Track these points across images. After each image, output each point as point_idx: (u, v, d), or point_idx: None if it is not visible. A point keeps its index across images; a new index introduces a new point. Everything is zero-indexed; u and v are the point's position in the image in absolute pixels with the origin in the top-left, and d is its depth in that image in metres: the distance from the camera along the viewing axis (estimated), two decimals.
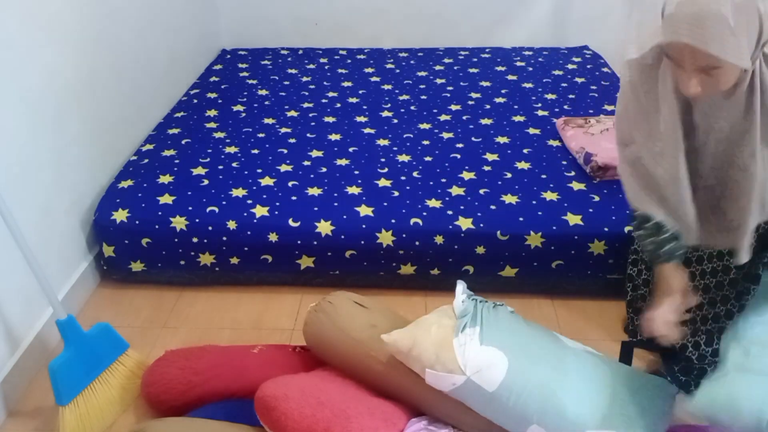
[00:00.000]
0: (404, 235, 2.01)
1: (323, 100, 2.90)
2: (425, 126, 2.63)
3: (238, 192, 2.15)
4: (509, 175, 2.25)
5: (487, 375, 1.37)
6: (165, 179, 2.22)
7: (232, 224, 2.04)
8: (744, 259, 1.35)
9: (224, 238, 2.05)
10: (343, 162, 2.35)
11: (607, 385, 1.43)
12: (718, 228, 1.37)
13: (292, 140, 2.51)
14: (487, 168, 2.30)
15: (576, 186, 2.18)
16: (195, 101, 2.88)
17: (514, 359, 1.40)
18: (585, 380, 1.42)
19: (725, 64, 1.09)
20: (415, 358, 1.43)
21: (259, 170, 2.28)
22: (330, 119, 2.70)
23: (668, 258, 1.37)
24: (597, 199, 2.10)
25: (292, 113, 2.76)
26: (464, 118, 2.71)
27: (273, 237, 2.03)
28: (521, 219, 2.02)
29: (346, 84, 3.09)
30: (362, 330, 1.56)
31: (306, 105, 2.85)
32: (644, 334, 1.39)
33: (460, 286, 1.59)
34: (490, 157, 2.38)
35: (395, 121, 2.69)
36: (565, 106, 2.80)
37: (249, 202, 2.10)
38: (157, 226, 2.05)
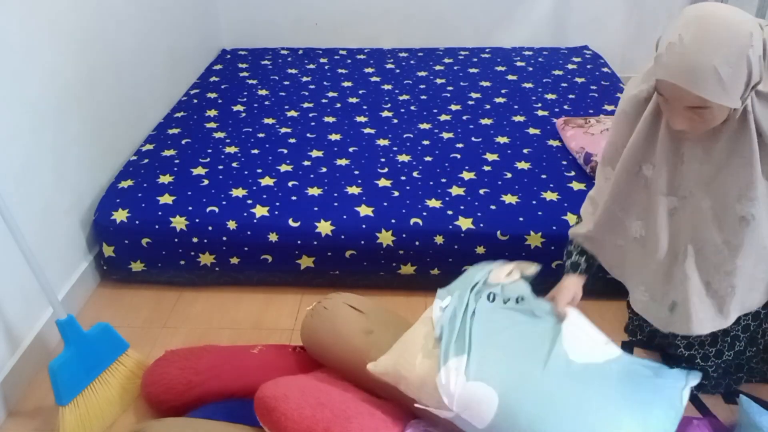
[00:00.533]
0: (404, 235, 2.01)
1: (323, 100, 2.90)
2: (425, 126, 2.63)
3: (238, 192, 2.15)
4: (509, 175, 2.25)
5: (477, 412, 1.28)
6: (165, 179, 2.22)
7: (232, 224, 2.04)
8: (728, 323, 1.35)
9: (224, 238, 2.05)
10: (343, 162, 2.35)
11: (608, 412, 1.28)
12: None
13: (292, 140, 2.51)
14: (487, 168, 2.30)
15: (576, 186, 2.18)
16: (195, 101, 2.88)
17: (504, 395, 1.28)
18: (582, 412, 1.27)
19: (713, 104, 1.10)
20: (402, 391, 1.39)
21: (259, 170, 2.28)
22: (330, 119, 2.70)
23: (573, 269, 1.52)
24: None
25: (292, 113, 2.76)
26: (464, 118, 2.71)
27: (273, 237, 2.03)
28: (521, 219, 2.02)
29: (346, 84, 3.09)
30: (358, 335, 1.55)
31: (306, 105, 2.85)
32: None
33: (437, 300, 1.49)
34: (490, 157, 2.38)
35: (395, 121, 2.69)
36: (565, 106, 2.80)
37: (249, 202, 2.10)
38: (157, 226, 2.05)
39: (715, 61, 1.06)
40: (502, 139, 2.50)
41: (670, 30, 1.11)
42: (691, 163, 1.27)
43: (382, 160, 2.36)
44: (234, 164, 2.32)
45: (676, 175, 1.29)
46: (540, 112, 2.74)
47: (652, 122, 1.28)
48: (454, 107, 2.81)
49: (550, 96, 2.91)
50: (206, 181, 2.21)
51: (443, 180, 2.22)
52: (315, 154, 2.41)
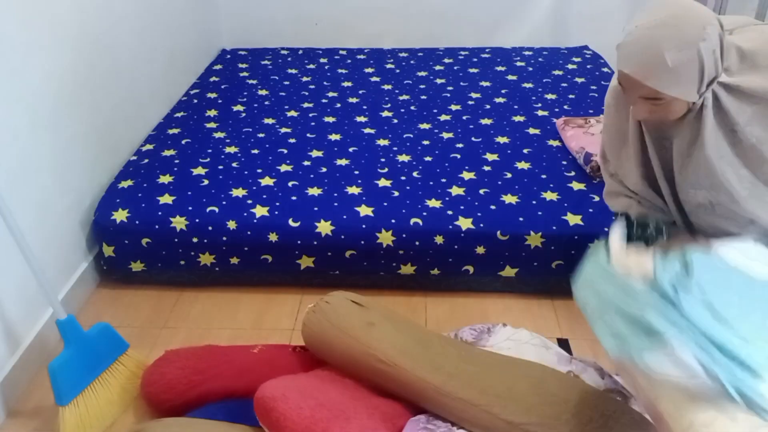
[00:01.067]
0: (404, 235, 2.01)
1: (323, 100, 2.90)
2: (425, 126, 2.63)
3: (238, 192, 2.15)
4: (509, 175, 2.25)
5: None
6: (165, 179, 2.22)
7: (232, 224, 2.04)
8: None
9: (224, 238, 2.05)
10: (343, 162, 2.35)
11: None
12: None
13: (292, 140, 2.51)
14: (487, 168, 2.30)
15: (576, 186, 2.18)
16: (195, 101, 2.88)
17: None
18: None
19: (666, 96, 1.12)
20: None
21: (259, 170, 2.28)
22: (330, 119, 2.70)
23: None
24: (597, 199, 2.10)
25: (292, 113, 2.76)
26: (464, 118, 2.71)
27: (273, 237, 2.03)
28: (521, 219, 2.02)
29: (346, 84, 3.09)
30: (360, 328, 1.56)
31: (306, 105, 2.85)
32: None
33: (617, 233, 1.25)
34: (490, 157, 2.37)
35: (395, 121, 2.69)
36: (565, 106, 2.80)
37: (249, 202, 2.10)
38: (157, 226, 2.05)
39: (665, 51, 1.07)
40: (502, 139, 2.50)
41: (632, 20, 1.14)
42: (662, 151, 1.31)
43: (382, 160, 2.36)
44: (234, 164, 2.32)
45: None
46: (540, 112, 2.74)
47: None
48: (454, 107, 2.81)
49: (550, 96, 2.91)
50: (206, 181, 2.21)
51: (443, 180, 2.22)
52: (315, 154, 2.41)
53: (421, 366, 1.47)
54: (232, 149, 2.43)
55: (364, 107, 2.82)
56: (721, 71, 1.15)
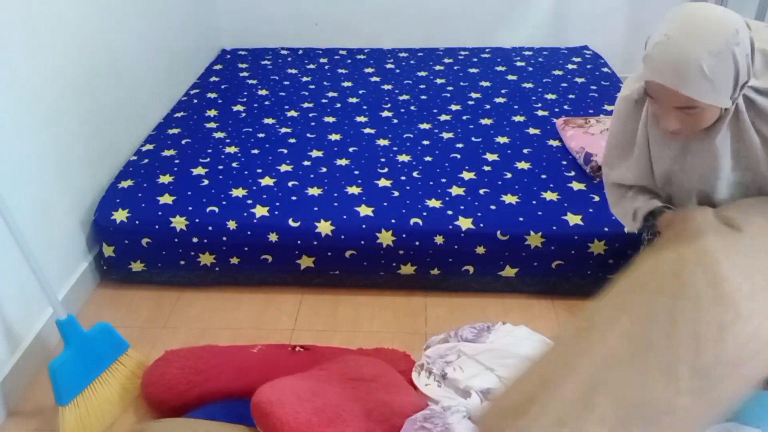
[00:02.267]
0: (404, 235, 2.01)
1: (323, 100, 2.90)
2: (425, 126, 2.63)
3: (238, 192, 2.15)
4: (509, 175, 2.25)
5: None
6: (165, 179, 2.22)
7: (232, 224, 2.04)
8: None
9: (224, 238, 2.05)
10: (343, 162, 2.35)
11: None
12: None
13: (292, 140, 2.51)
14: (487, 168, 2.30)
15: (576, 186, 2.18)
16: (195, 101, 2.87)
17: None
18: None
19: (701, 104, 1.10)
20: None
21: (259, 170, 2.28)
22: (330, 119, 2.70)
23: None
24: (597, 199, 2.10)
25: (292, 113, 2.76)
26: (464, 118, 2.70)
27: (273, 237, 2.03)
28: (521, 219, 2.02)
29: (346, 84, 3.09)
30: None
31: (306, 105, 2.85)
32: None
33: None
34: (490, 157, 2.37)
35: (395, 121, 2.69)
36: (565, 106, 2.80)
37: (249, 202, 2.10)
38: (157, 226, 2.05)
39: (701, 58, 1.06)
40: (502, 139, 2.50)
41: (658, 30, 1.12)
42: (684, 159, 1.28)
43: (382, 160, 2.36)
44: (234, 164, 2.32)
45: (667, 171, 1.32)
46: (540, 112, 2.74)
47: (644, 125, 1.31)
48: (454, 107, 2.81)
49: (550, 96, 2.91)
50: (206, 181, 2.21)
51: (443, 180, 2.22)
52: (315, 154, 2.41)
53: None
54: (232, 149, 2.43)
55: (364, 107, 2.82)
56: (752, 75, 1.13)
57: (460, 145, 2.47)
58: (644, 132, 1.31)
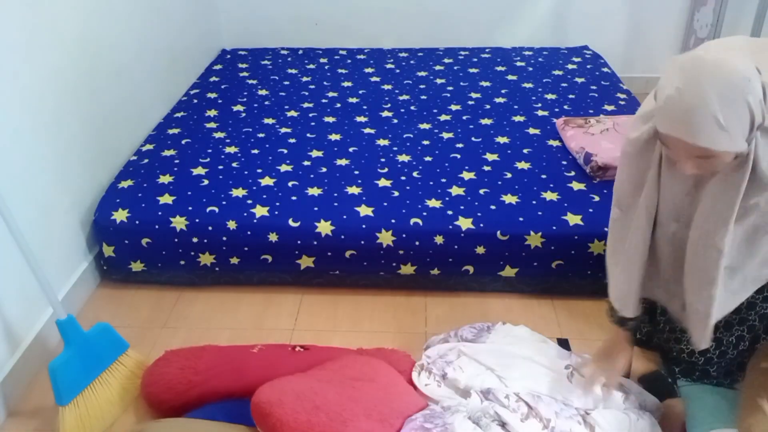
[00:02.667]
0: (404, 235, 2.01)
1: (323, 100, 2.90)
2: (425, 126, 2.63)
3: (238, 192, 2.15)
4: (509, 175, 2.25)
5: None
6: (165, 179, 2.22)
7: (232, 224, 2.04)
8: (703, 346, 1.38)
9: (224, 238, 2.05)
10: (343, 162, 2.35)
11: None
12: (688, 315, 1.39)
13: (292, 140, 2.51)
14: (487, 168, 2.30)
15: (576, 186, 2.18)
16: (195, 101, 2.88)
17: None
18: None
19: (717, 152, 1.10)
20: None
21: (259, 170, 2.28)
22: (330, 119, 2.70)
23: (619, 323, 1.53)
24: (597, 199, 2.10)
25: (292, 113, 2.76)
26: (464, 118, 2.71)
27: (273, 237, 2.03)
28: (521, 219, 2.02)
29: (346, 84, 3.09)
30: None
31: (306, 105, 2.85)
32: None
33: None
34: (490, 157, 2.37)
35: (395, 121, 2.69)
36: (565, 106, 2.80)
37: (249, 202, 2.10)
38: (157, 226, 2.05)
39: (715, 111, 1.05)
40: (502, 139, 2.50)
41: (668, 81, 1.11)
42: (689, 195, 1.29)
43: (382, 160, 2.36)
44: (234, 164, 2.32)
45: (678, 205, 1.32)
46: (540, 112, 2.74)
47: (657, 166, 1.31)
48: (454, 107, 2.81)
49: (550, 96, 2.91)
50: (206, 181, 2.21)
51: (443, 180, 2.22)
52: (315, 154, 2.41)
53: None
54: (232, 149, 2.43)
55: (364, 107, 2.82)
56: (766, 116, 1.12)
57: (460, 145, 2.47)
58: (655, 171, 1.31)
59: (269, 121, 2.68)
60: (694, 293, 1.34)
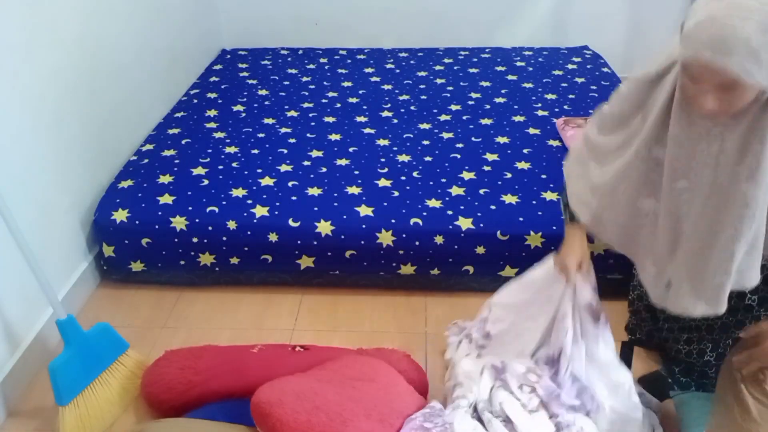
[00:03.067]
0: (404, 235, 2.01)
1: (323, 100, 2.90)
2: (425, 126, 2.63)
3: (238, 192, 2.15)
4: (509, 175, 2.25)
5: None
6: (165, 179, 2.22)
7: (232, 224, 2.04)
8: (722, 310, 1.29)
9: (224, 238, 2.05)
10: (343, 162, 2.35)
11: None
12: (693, 290, 1.31)
13: (292, 140, 2.51)
14: (487, 168, 2.30)
15: None
16: (195, 101, 2.88)
17: None
18: None
19: (744, 83, 1.05)
20: None
21: (259, 170, 2.28)
22: (330, 119, 2.70)
23: (572, 217, 1.49)
24: None
25: (292, 113, 2.76)
26: (464, 118, 2.71)
27: (273, 237, 2.03)
28: (521, 219, 2.02)
29: (346, 84, 3.09)
30: None
31: (306, 105, 2.85)
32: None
33: None
34: (490, 157, 2.38)
35: (395, 121, 2.69)
36: (565, 106, 2.80)
37: (249, 202, 2.10)
38: (157, 226, 2.05)
39: (749, 35, 1.01)
40: (502, 139, 2.50)
41: (697, 12, 1.07)
42: (704, 145, 1.21)
43: (382, 160, 2.36)
44: (234, 164, 2.32)
45: (688, 157, 1.24)
46: (540, 112, 2.74)
47: (665, 105, 1.24)
48: (454, 107, 2.81)
49: (550, 96, 2.91)
50: (206, 181, 2.21)
51: (443, 180, 2.22)
52: (315, 154, 2.41)
53: None
54: (232, 149, 2.43)
55: (364, 107, 2.82)
56: None
57: (460, 145, 2.47)
58: (663, 110, 1.23)
59: (269, 121, 2.68)
60: (705, 250, 1.26)
